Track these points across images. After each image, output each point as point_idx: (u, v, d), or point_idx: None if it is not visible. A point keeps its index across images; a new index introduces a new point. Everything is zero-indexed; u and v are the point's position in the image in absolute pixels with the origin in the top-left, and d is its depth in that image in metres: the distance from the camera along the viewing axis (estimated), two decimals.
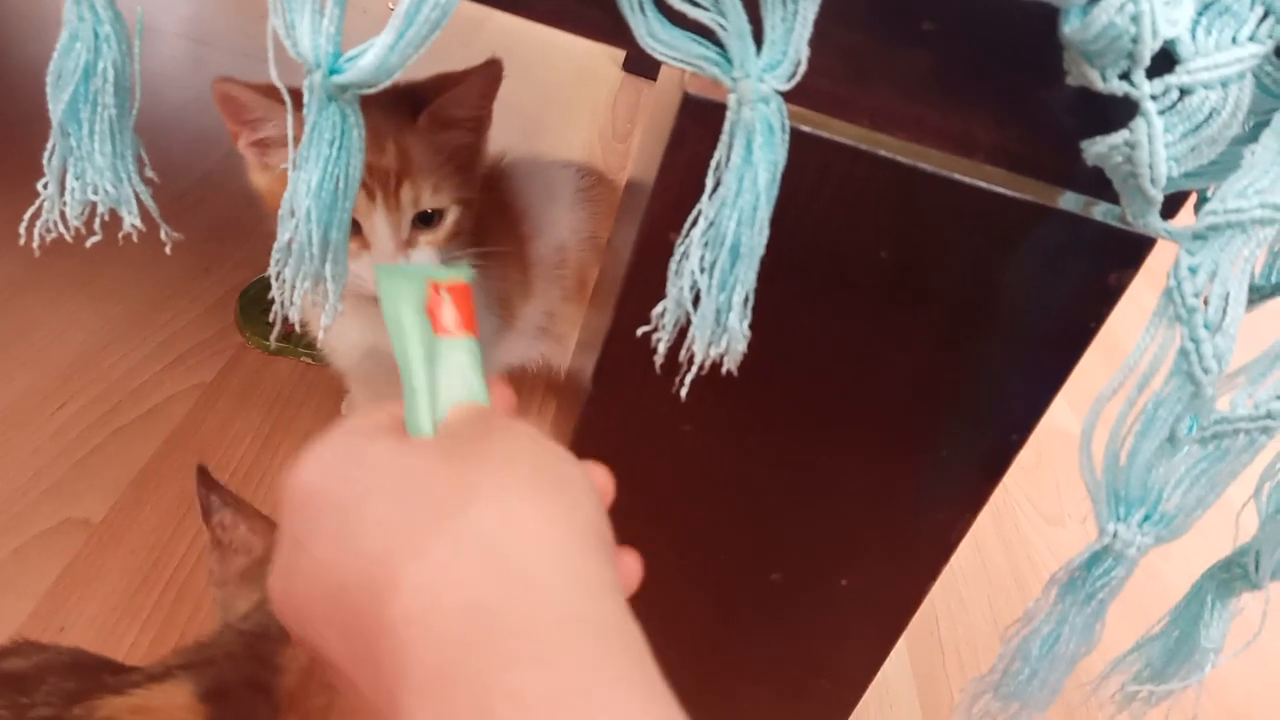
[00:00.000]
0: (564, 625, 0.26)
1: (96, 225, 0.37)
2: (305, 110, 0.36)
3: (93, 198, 0.37)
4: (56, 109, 0.36)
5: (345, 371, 0.75)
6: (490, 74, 0.61)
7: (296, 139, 0.37)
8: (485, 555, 0.27)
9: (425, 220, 0.60)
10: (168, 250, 0.38)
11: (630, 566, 0.35)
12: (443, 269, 0.38)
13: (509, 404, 0.38)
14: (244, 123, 0.60)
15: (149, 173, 0.38)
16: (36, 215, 0.37)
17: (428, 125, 0.60)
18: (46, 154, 0.36)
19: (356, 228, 0.58)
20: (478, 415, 0.34)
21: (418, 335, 0.35)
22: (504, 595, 0.27)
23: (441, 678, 0.25)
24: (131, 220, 0.37)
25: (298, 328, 0.41)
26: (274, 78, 0.36)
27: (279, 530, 0.32)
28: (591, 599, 0.28)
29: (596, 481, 0.35)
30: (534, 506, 0.29)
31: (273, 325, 0.42)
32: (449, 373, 0.35)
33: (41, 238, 0.36)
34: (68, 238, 0.37)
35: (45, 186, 0.36)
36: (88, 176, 0.36)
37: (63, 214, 0.37)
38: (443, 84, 0.62)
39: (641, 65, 2.05)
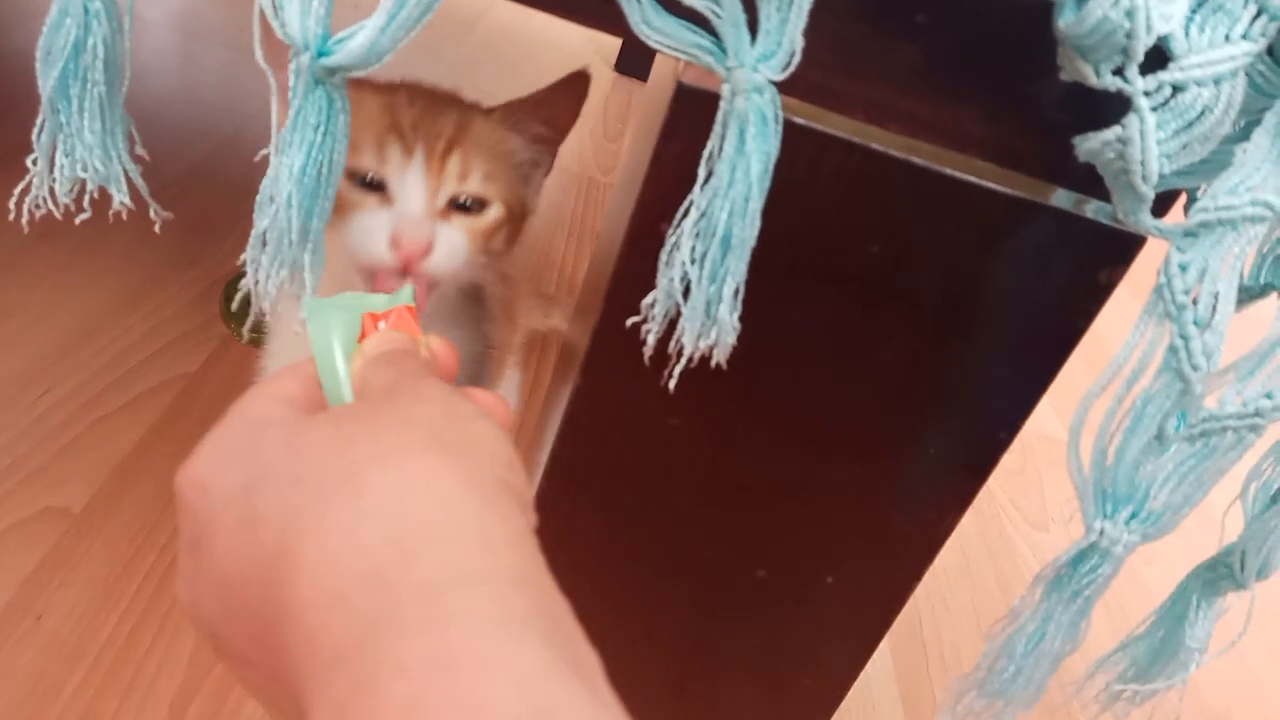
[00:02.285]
0: (459, 586, 0.25)
1: (85, 204, 0.37)
2: (291, 93, 0.36)
3: (82, 175, 0.36)
4: (46, 85, 0.36)
5: None
6: (577, 86, 0.57)
7: (280, 122, 0.37)
8: (383, 521, 0.26)
9: (464, 208, 0.55)
10: (157, 229, 0.38)
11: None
12: (381, 297, 0.37)
13: (447, 364, 0.37)
14: None
15: (140, 150, 0.38)
16: (26, 192, 0.36)
17: (499, 118, 0.57)
18: (36, 130, 0.36)
19: (375, 186, 0.53)
20: (386, 378, 0.33)
21: (342, 368, 0.34)
22: (400, 561, 0.25)
23: (339, 657, 0.24)
24: (120, 198, 0.37)
25: (267, 319, 0.39)
26: (259, 59, 0.35)
27: (178, 534, 0.31)
28: (492, 556, 0.26)
29: (494, 410, 0.34)
30: (433, 465, 0.28)
31: (247, 314, 0.41)
32: None
33: (31, 214, 0.36)
34: (57, 215, 0.36)
35: (34, 163, 0.36)
36: (77, 153, 0.36)
37: (52, 191, 0.36)
38: (522, 102, 0.59)
39: (633, 66, 2.05)
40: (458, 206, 0.54)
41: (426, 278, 0.54)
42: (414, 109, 0.54)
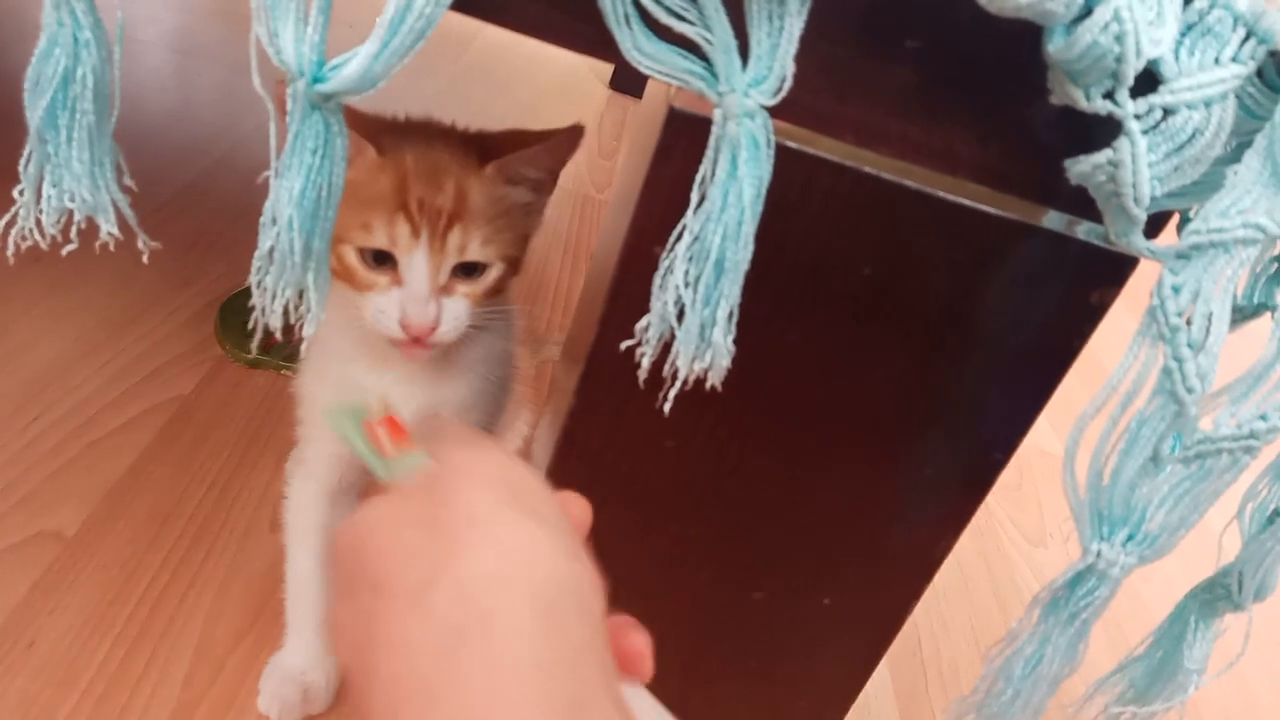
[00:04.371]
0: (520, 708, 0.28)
1: (73, 234, 0.37)
2: (289, 118, 0.36)
3: (69, 205, 0.36)
4: (34, 115, 0.36)
5: (319, 438, 0.69)
6: (570, 139, 0.59)
7: (279, 147, 0.37)
8: (456, 622, 0.29)
9: (466, 271, 0.58)
10: (145, 260, 0.38)
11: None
12: (364, 408, 0.43)
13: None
14: None
15: (127, 181, 0.38)
16: (12, 223, 0.36)
17: (494, 176, 0.58)
18: (23, 161, 0.36)
19: (387, 260, 0.56)
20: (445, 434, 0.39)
21: (370, 456, 0.41)
22: (466, 672, 0.28)
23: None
24: (108, 229, 0.37)
25: (278, 338, 0.40)
26: (257, 86, 0.35)
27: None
28: (550, 678, 0.29)
29: (574, 513, 0.38)
30: (525, 532, 0.32)
31: (252, 336, 0.41)
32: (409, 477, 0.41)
33: (17, 245, 0.36)
34: (43, 245, 0.36)
35: (21, 193, 0.36)
36: (65, 184, 0.36)
37: (39, 221, 0.36)
38: (516, 139, 0.59)
39: (627, 83, 2.06)
40: (459, 273, 0.57)
41: (436, 345, 0.58)
42: (420, 183, 0.56)
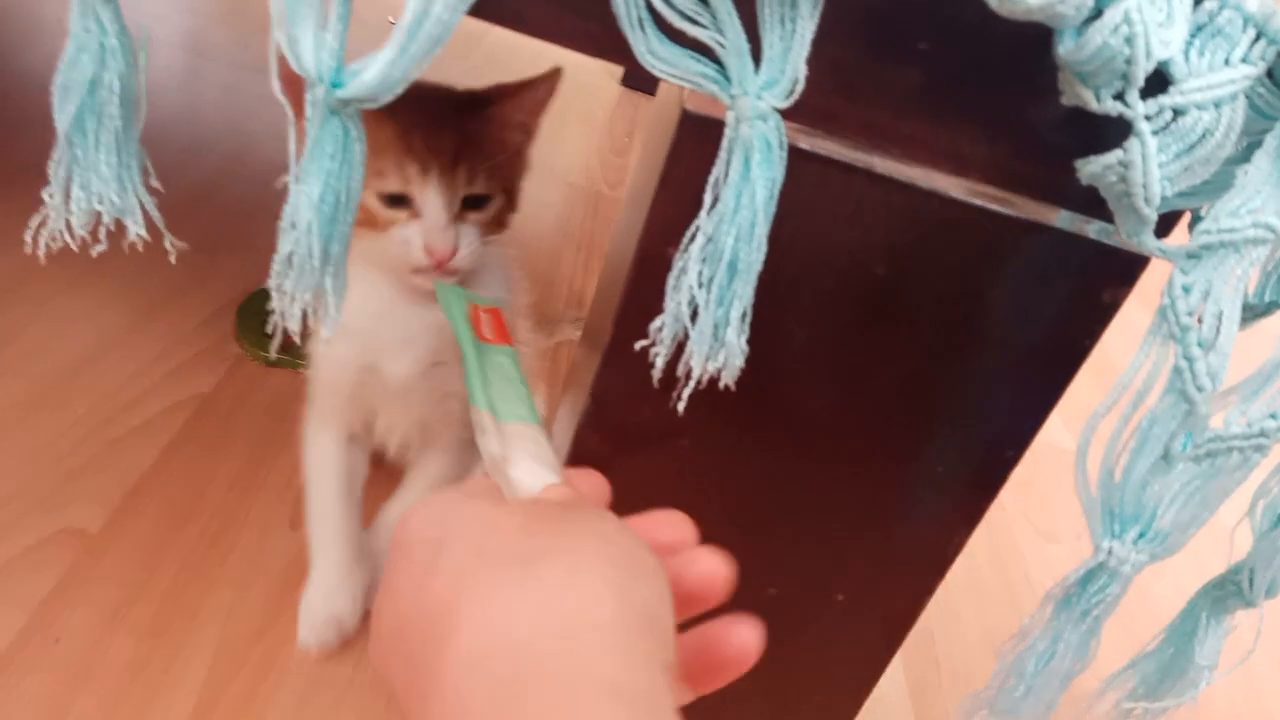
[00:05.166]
0: (599, 689, 0.27)
1: (101, 235, 0.37)
2: (307, 123, 0.37)
3: (98, 207, 0.37)
4: (63, 120, 0.36)
5: (331, 392, 0.77)
6: (550, 83, 0.67)
7: (298, 152, 0.37)
8: (544, 607, 0.29)
9: (473, 204, 0.65)
10: (172, 259, 0.39)
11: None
12: (479, 296, 0.47)
13: (601, 492, 0.41)
14: None
15: (154, 182, 0.39)
16: (42, 223, 0.37)
17: (490, 119, 0.66)
18: (52, 164, 0.37)
19: (403, 201, 0.63)
20: (567, 493, 0.37)
21: (467, 332, 0.43)
22: (552, 647, 0.28)
23: (467, 713, 0.27)
24: (137, 230, 0.38)
25: (297, 340, 0.42)
26: (276, 91, 0.36)
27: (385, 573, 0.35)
28: (630, 671, 0.28)
29: (586, 488, 0.39)
30: (599, 575, 0.30)
31: (271, 336, 0.42)
32: (494, 368, 0.43)
33: (46, 246, 0.36)
34: (73, 246, 0.37)
35: (51, 196, 0.37)
36: (93, 187, 0.36)
37: (68, 222, 0.37)
38: (501, 91, 0.68)
39: (640, 81, 2.06)
40: (468, 204, 0.65)
41: (456, 269, 0.65)
42: (421, 129, 0.63)
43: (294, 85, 0.36)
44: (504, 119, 0.68)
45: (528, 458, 0.39)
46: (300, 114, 0.37)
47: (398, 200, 0.63)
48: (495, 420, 0.41)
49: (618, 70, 2.11)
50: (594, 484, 0.40)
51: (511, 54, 2.05)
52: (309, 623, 0.75)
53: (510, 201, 0.70)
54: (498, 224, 0.69)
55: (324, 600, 0.75)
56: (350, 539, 0.77)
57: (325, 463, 0.77)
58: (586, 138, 1.82)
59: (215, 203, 1.21)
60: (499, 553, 0.31)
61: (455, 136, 0.63)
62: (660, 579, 0.33)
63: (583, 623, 0.29)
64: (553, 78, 0.67)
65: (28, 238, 0.37)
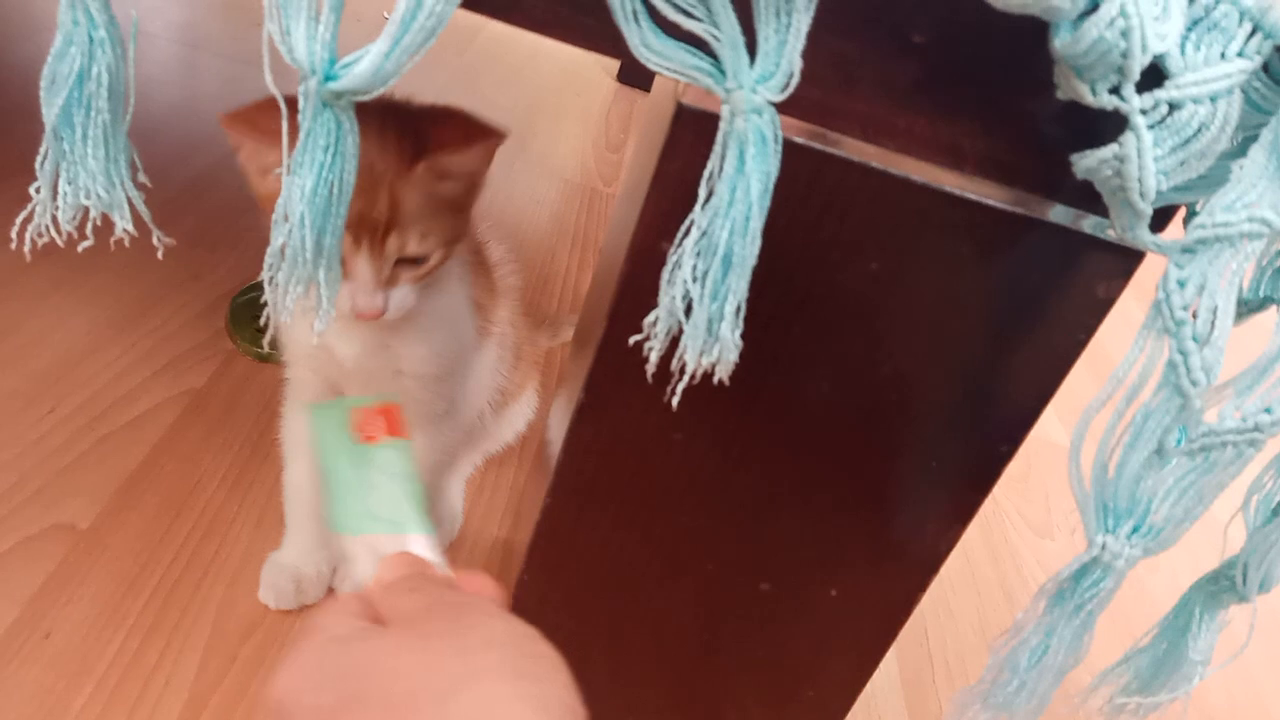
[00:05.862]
0: None
1: (88, 230, 0.37)
2: (300, 116, 0.36)
3: (85, 202, 0.37)
4: (50, 113, 0.36)
5: (295, 363, 0.77)
6: (493, 142, 0.63)
7: (291, 144, 0.37)
8: None
9: (409, 263, 0.63)
10: (159, 255, 0.38)
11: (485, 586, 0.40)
12: (368, 398, 0.47)
13: (492, 591, 0.40)
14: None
15: (142, 178, 0.38)
16: (28, 219, 0.37)
17: (424, 176, 0.61)
18: (39, 158, 0.36)
19: None
20: (416, 601, 0.36)
21: (337, 455, 0.43)
22: None
23: None
24: (124, 225, 0.37)
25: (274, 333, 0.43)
26: (269, 84, 0.36)
27: None
28: None
29: (484, 590, 0.39)
30: (512, 693, 0.30)
31: (263, 331, 0.42)
32: (377, 469, 0.44)
33: (33, 241, 0.36)
34: (59, 242, 0.37)
35: (37, 191, 0.36)
36: (80, 181, 0.36)
37: (54, 218, 0.36)
38: (439, 116, 0.63)
39: (635, 76, 2.06)
40: (401, 264, 0.63)
41: (389, 320, 0.64)
42: (356, 198, 0.57)
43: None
44: (443, 171, 0.62)
45: (375, 555, 0.41)
46: (293, 108, 0.37)
47: None
48: (351, 537, 0.42)
49: (613, 66, 2.11)
50: (481, 586, 0.40)
51: (507, 50, 2.05)
52: (270, 581, 0.77)
53: (453, 247, 0.66)
54: (439, 267, 0.66)
55: (289, 562, 0.78)
56: (322, 512, 0.77)
57: (298, 439, 0.78)
58: (582, 134, 1.81)
59: (211, 197, 1.21)
60: (410, 696, 0.30)
61: (388, 205, 0.60)
62: (557, 662, 0.33)
63: None
64: (491, 144, 0.62)
65: (13, 234, 0.37)
